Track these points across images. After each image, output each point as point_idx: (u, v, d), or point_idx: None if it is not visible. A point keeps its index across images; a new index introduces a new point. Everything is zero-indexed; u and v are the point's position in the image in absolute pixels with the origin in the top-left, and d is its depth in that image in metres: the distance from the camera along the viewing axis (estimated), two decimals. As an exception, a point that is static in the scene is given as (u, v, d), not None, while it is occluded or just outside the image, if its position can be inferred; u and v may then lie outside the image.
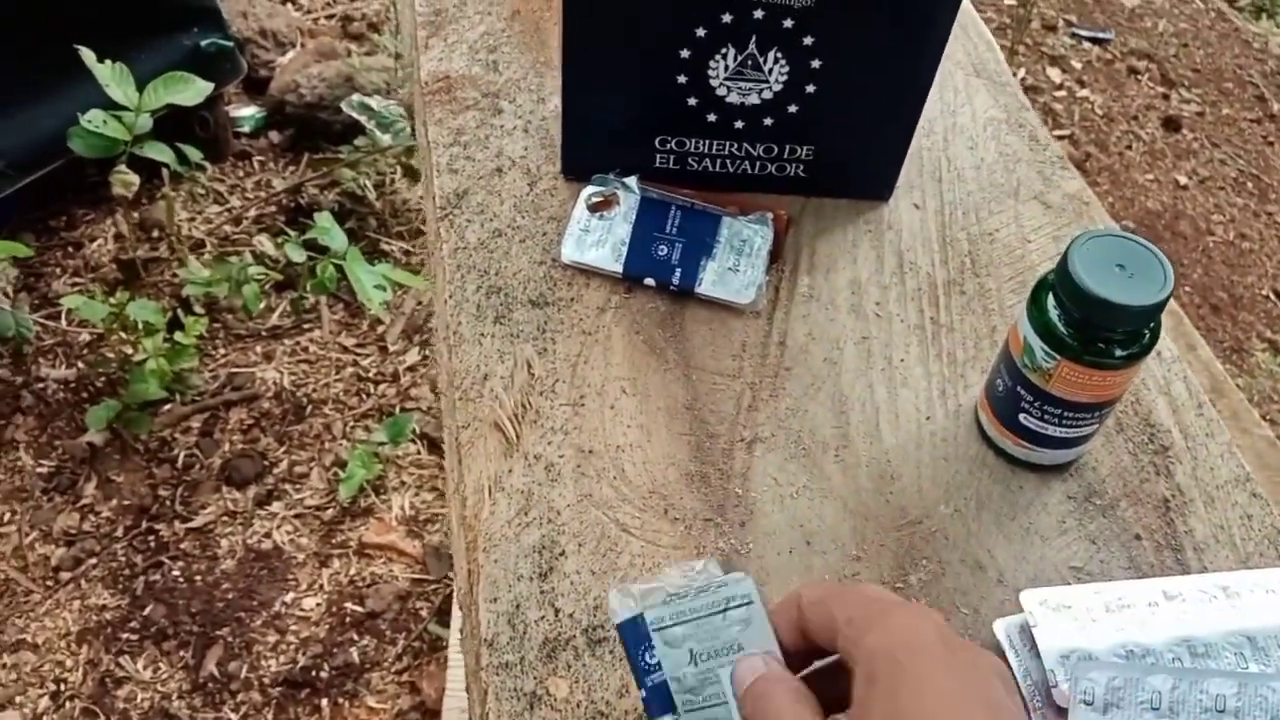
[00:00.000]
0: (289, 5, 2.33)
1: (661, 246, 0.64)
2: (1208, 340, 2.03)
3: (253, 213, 1.90)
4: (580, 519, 0.53)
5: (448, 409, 0.59)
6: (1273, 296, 2.23)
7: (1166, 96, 2.64)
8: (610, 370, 0.60)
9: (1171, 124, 2.55)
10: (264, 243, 1.78)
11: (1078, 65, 2.66)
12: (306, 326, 1.77)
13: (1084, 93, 2.58)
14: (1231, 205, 2.40)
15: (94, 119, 1.40)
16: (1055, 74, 2.62)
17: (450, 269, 0.63)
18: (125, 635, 1.42)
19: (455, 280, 0.62)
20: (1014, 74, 2.60)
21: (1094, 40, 2.74)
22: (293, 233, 1.76)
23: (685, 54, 0.61)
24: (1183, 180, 2.42)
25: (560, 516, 0.53)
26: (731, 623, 0.40)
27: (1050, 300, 0.51)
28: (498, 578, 0.51)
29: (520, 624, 0.49)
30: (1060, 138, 2.42)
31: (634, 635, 0.41)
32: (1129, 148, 2.47)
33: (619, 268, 0.63)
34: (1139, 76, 2.68)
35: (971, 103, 0.76)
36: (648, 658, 0.40)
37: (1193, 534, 0.55)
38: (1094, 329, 0.49)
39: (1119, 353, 0.50)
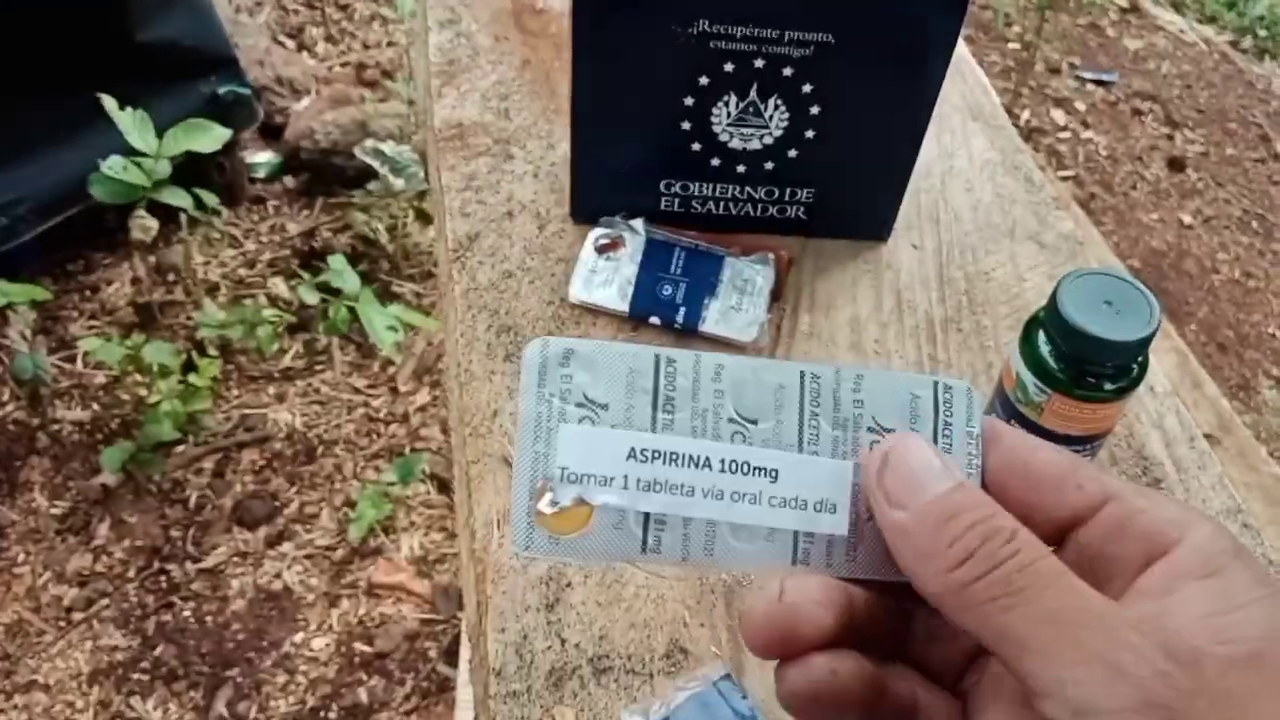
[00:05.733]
0: (304, 53, 2.37)
1: (666, 286, 0.65)
2: (1214, 378, 2.04)
3: (266, 256, 1.93)
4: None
5: (458, 444, 0.60)
6: (1279, 335, 2.24)
7: (1170, 137, 2.67)
8: (616, 407, 0.61)
9: (1176, 164, 2.57)
10: (278, 285, 1.81)
11: (1082, 107, 2.69)
12: (318, 368, 1.79)
13: (1088, 134, 2.61)
14: (1236, 244, 2.42)
15: (114, 165, 1.43)
16: (1059, 116, 2.65)
17: (462, 309, 0.65)
18: (136, 676, 1.43)
19: (467, 320, 0.64)
20: (1018, 116, 2.62)
21: (1098, 82, 2.77)
22: (306, 275, 1.78)
23: (689, 101, 0.63)
24: (1187, 220, 2.44)
25: (567, 549, 0.54)
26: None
27: (1041, 336, 0.52)
28: (505, 609, 0.52)
29: (527, 654, 0.50)
30: (1065, 178, 2.44)
31: None
32: (1133, 188, 2.49)
33: (625, 307, 0.65)
34: (1143, 118, 2.71)
35: (968, 145, 0.78)
36: None
37: (1187, 565, 0.56)
38: (1083, 364, 0.51)
39: (1108, 386, 0.51)
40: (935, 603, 0.26)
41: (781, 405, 0.29)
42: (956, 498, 0.27)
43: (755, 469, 0.28)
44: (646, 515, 0.28)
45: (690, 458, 0.28)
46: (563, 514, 0.28)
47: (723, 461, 0.28)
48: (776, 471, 0.29)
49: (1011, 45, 2.84)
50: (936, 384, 0.30)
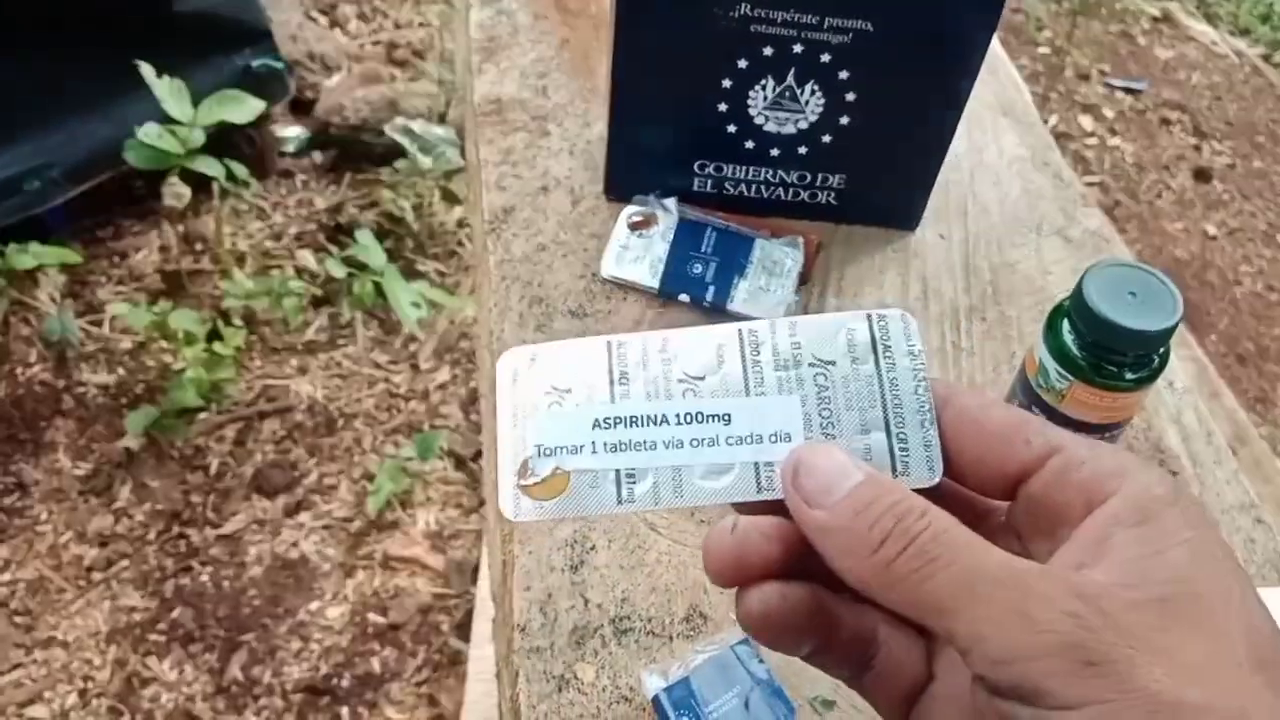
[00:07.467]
0: (337, 30, 2.39)
1: (696, 265, 0.67)
2: (1232, 390, 2.04)
3: (293, 230, 1.95)
4: (610, 517, 0.56)
5: (488, 411, 0.62)
6: (1299, 349, 2.23)
7: (1198, 148, 2.66)
8: (643, 380, 0.62)
9: (1202, 175, 2.57)
10: (306, 257, 1.83)
11: (1110, 114, 2.69)
12: (341, 342, 1.81)
13: (1115, 141, 2.61)
14: (1260, 257, 2.41)
15: (150, 132, 1.45)
16: (1087, 122, 2.64)
17: (496, 279, 0.66)
18: (153, 636, 1.45)
19: (500, 290, 0.66)
20: (1046, 120, 2.62)
21: (1127, 90, 2.77)
22: (334, 249, 1.80)
23: (727, 84, 0.64)
24: (1212, 231, 2.44)
25: (592, 514, 0.56)
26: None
27: (1065, 325, 0.53)
28: (531, 568, 0.54)
29: (551, 612, 0.52)
30: (1090, 185, 2.44)
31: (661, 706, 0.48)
32: (1158, 197, 2.49)
33: (655, 284, 0.66)
34: (1171, 127, 2.71)
35: (998, 141, 0.79)
36: None
37: (1199, 556, 0.57)
38: (1105, 352, 0.52)
39: (1129, 376, 0.52)
40: (865, 589, 0.28)
41: (724, 360, 0.32)
42: (868, 488, 0.28)
43: (709, 416, 0.31)
44: (617, 471, 0.31)
45: (648, 417, 0.31)
46: (543, 483, 0.31)
47: (678, 415, 0.31)
48: (729, 415, 0.31)
49: (1042, 50, 2.83)
50: (870, 316, 0.32)
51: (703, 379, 0.32)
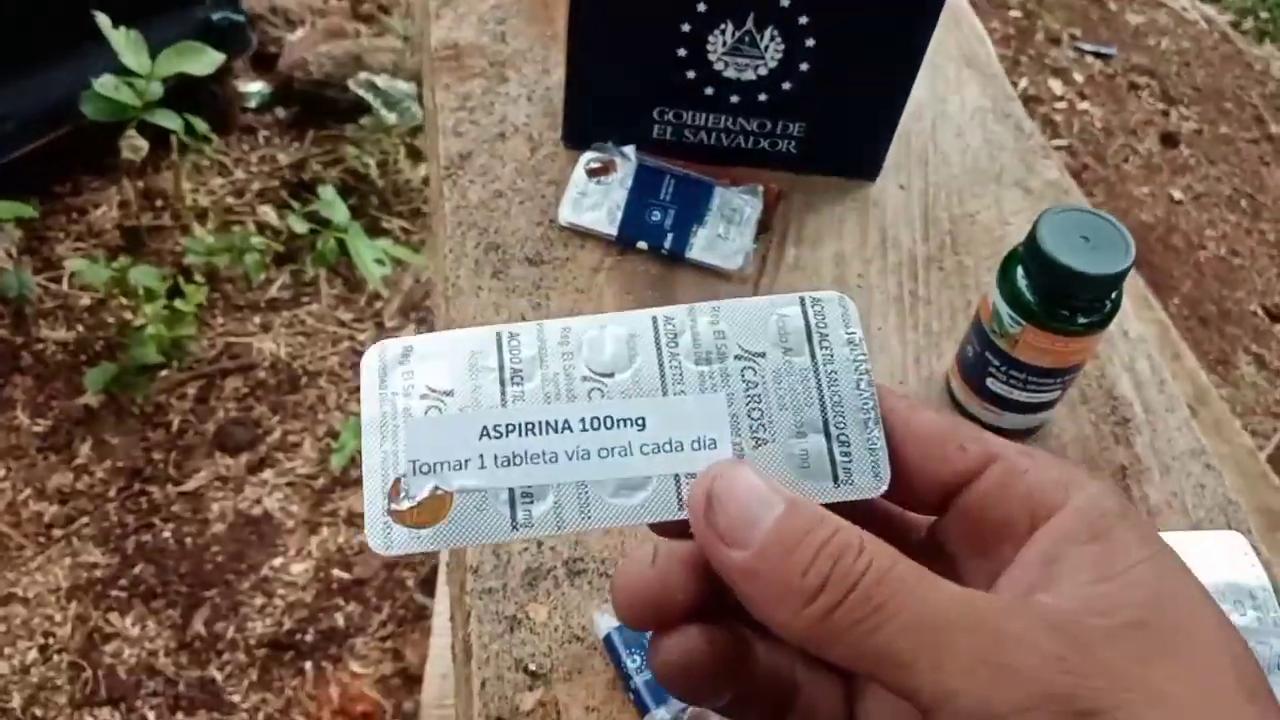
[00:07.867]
0: (301, -15, 2.35)
1: (655, 212, 0.66)
2: (1194, 351, 2.06)
3: (256, 186, 1.92)
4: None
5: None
6: (1260, 313, 2.26)
7: (1166, 113, 2.67)
8: (600, 327, 0.62)
9: (1169, 140, 2.58)
10: (268, 213, 1.81)
11: (1079, 78, 2.69)
12: (304, 300, 1.79)
13: (1084, 105, 2.61)
14: (1225, 221, 2.43)
15: (106, 84, 1.42)
16: (1057, 86, 2.65)
17: (451, 225, 0.65)
18: (114, 593, 1.44)
19: (455, 236, 0.65)
20: (1016, 84, 2.62)
21: (1097, 55, 2.77)
22: (297, 205, 1.78)
23: (686, 28, 0.63)
24: (1177, 195, 2.45)
25: (546, 459, 0.56)
26: None
27: (1019, 270, 0.53)
28: (484, 512, 0.53)
29: (504, 554, 0.52)
30: (1058, 148, 2.45)
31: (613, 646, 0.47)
32: (1125, 161, 2.50)
33: (613, 231, 0.66)
34: (1139, 92, 2.71)
35: (960, 92, 0.79)
36: (629, 663, 0.46)
37: (1147, 499, 0.57)
38: (1058, 297, 0.52)
39: (1081, 320, 0.52)
40: (800, 643, 0.24)
41: (636, 354, 0.28)
42: (793, 520, 0.24)
43: (619, 421, 0.27)
44: (511, 490, 0.26)
45: (547, 424, 0.27)
46: (421, 507, 0.26)
47: (582, 421, 0.27)
48: (643, 419, 0.27)
49: (1013, 13, 2.83)
50: (803, 299, 0.28)
51: (611, 376, 0.27)
